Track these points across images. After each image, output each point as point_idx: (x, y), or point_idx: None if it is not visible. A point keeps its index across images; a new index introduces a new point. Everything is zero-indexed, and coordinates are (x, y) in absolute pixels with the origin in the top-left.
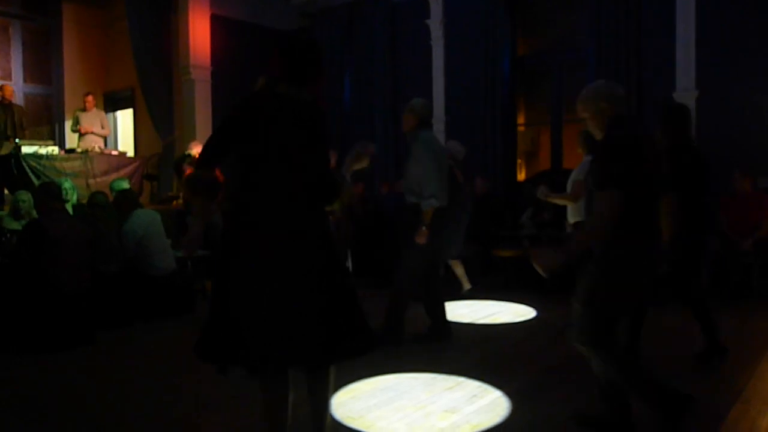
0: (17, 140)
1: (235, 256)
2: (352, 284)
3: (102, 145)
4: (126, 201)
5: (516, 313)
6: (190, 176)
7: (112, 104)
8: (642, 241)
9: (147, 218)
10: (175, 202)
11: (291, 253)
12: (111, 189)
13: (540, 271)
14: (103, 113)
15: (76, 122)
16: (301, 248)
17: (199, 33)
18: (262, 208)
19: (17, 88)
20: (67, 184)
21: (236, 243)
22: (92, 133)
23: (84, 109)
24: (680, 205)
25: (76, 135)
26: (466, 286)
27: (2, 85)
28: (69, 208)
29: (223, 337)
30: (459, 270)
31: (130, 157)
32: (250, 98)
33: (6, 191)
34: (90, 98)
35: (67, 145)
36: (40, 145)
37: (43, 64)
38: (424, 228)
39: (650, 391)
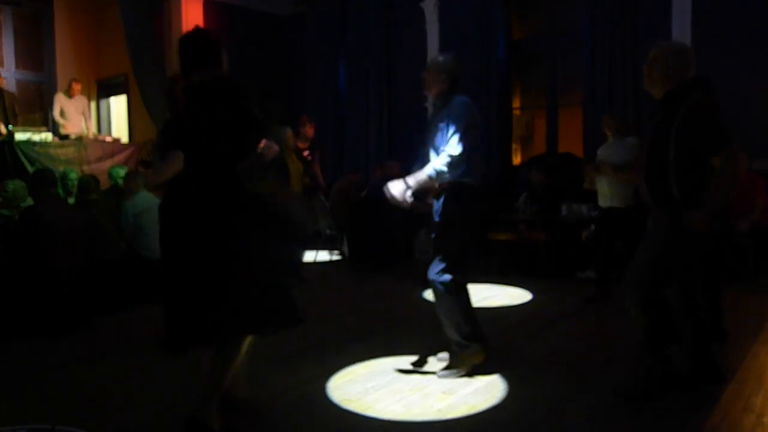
0: (10, 127)
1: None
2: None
3: (83, 128)
4: (134, 181)
5: (512, 296)
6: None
7: (105, 91)
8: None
9: (148, 198)
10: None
11: (193, 230)
12: (110, 176)
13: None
14: (86, 101)
15: (62, 113)
16: (202, 224)
17: (191, 18)
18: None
19: (9, 75)
20: (72, 175)
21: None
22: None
23: (69, 96)
24: None
25: (60, 118)
26: None
27: None
28: (72, 199)
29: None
30: None
31: (124, 144)
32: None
33: None
34: (76, 86)
35: (61, 132)
36: (34, 132)
37: (35, 51)
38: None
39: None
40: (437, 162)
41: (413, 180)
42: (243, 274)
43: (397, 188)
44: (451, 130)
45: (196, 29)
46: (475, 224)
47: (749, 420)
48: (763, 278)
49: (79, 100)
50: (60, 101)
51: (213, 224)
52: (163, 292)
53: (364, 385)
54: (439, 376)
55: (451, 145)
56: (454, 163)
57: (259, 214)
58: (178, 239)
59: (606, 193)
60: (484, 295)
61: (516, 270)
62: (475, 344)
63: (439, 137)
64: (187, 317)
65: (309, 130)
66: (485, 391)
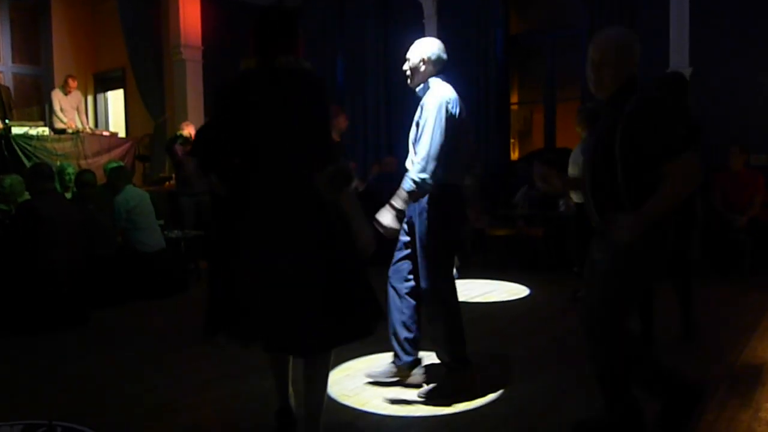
0: (6, 121)
1: (229, 238)
2: (350, 269)
3: (77, 124)
4: (120, 177)
5: (510, 291)
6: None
7: (102, 85)
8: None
9: (137, 193)
10: (167, 183)
11: (281, 237)
12: (105, 171)
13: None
14: (80, 96)
15: (62, 110)
16: (292, 231)
17: (189, 12)
18: (256, 190)
19: (6, 69)
20: (70, 169)
21: (231, 225)
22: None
23: (66, 92)
24: None
25: (61, 114)
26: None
27: None
28: (69, 194)
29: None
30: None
31: (121, 138)
32: (237, 79)
33: None
34: (72, 82)
35: (56, 126)
36: (31, 126)
37: (31, 44)
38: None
39: (661, 385)
40: (412, 171)
41: (398, 202)
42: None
43: (386, 218)
44: (422, 127)
45: (282, 7)
46: (460, 227)
47: (746, 415)
48: (760, 274)
49: (74, 96)
50: (58, 98)
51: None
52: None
53: (362, 380)
54: (420, 396)
55: (422, 146)
56: (427, 167)
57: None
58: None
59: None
60: (483, 290)
61: (514, 265)
62: (465, 368)
63: (416, 134)
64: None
65: (342, 122)
66: (484, 386)
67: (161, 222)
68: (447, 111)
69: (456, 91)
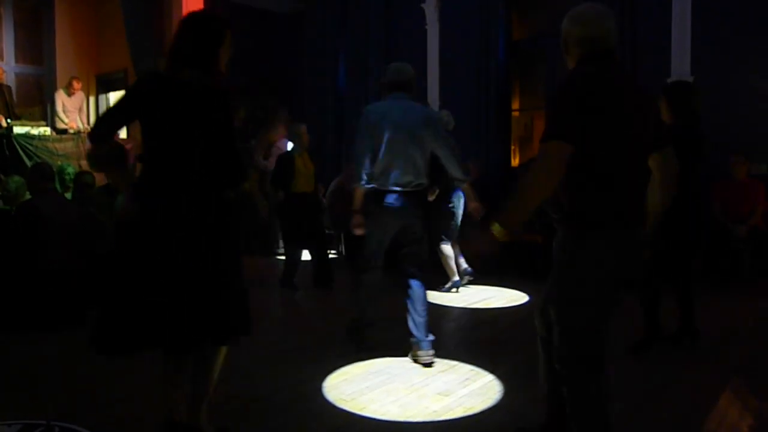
0: (8, 120)
1: (134, 240)
2: (234, 275)
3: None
4: (125, 175)
5: (509, 298)
6: (90, 154)
7: (104, 86)
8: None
9: None
10: None
11: (182, 239)
12: None
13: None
14: (83, 97)
15: (65, 110)
16: (191, 235)
17: None
18: (160, 192)
19: (9, 69)
20: (70, 169)
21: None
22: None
23: (69, 94)
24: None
25: (63, 115)
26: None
27: None
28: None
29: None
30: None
31: (122, 139)
32: (149, 79)
33: None
34: (77, 84)
35: (58, 126)
36: (32, 126)
37: (34, 44)
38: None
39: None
40: None
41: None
42: (223, 285)
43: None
44: None
45: (206, 15)
46: (388, 228)
47: (747, 422)
48: (760, 282)
49: (78, 97)
50: (62, 99)
51: (202, 239)
52: (121, 294)
53: (359, 385)
54: None
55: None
56: (351, 171)
57: (236, 228)
58: (161, 250)
59: None
60: (482, 296)
61: (513, 271)
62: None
63: None
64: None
65: (305, 137)
66: (481, 393)
67: None
68: (367, 120)
69: (457, 97)
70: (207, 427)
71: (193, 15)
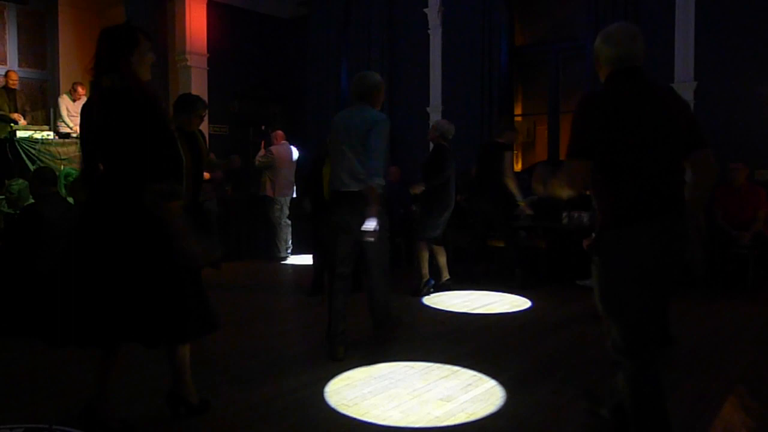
0: (12, 125)
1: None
2: (171, 270)
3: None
4: None
5: (511, 303)
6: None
7: None
8: (626, 225)
9: None
10: None
11: (107, 236)
12: None
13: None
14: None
15: (69, 115)
16: (116, 232)
17: (195, 19)
18: (94, 195)
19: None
20: (74, 173)
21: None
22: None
23: (73, 99)
24: None
25: (69, 119)
26: (445, 276)
27: (8, 71)
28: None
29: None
30: (441, 259)
31: None
32: (91, 91)
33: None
34: (81, 90)
35: (62, 130)
36: (35, 130)
37: (38, 49)
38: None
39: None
40: None
41: None
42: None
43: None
44: None
45: (117, 26)
46: (332, 228)
47: (750, 429)
48: (763, 288)
49: (82, 102)
50: (65, 103)
51: (132, 241)
52: (63, 293)
53: (361, 390)
54: None
55: None
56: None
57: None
58: (95, 252)
59: None
60: (484, 301)
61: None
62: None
63: None
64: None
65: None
66: (484, 399)
67: None
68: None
69: (459, 102)
70: (192, 397)
71: (106, 28)
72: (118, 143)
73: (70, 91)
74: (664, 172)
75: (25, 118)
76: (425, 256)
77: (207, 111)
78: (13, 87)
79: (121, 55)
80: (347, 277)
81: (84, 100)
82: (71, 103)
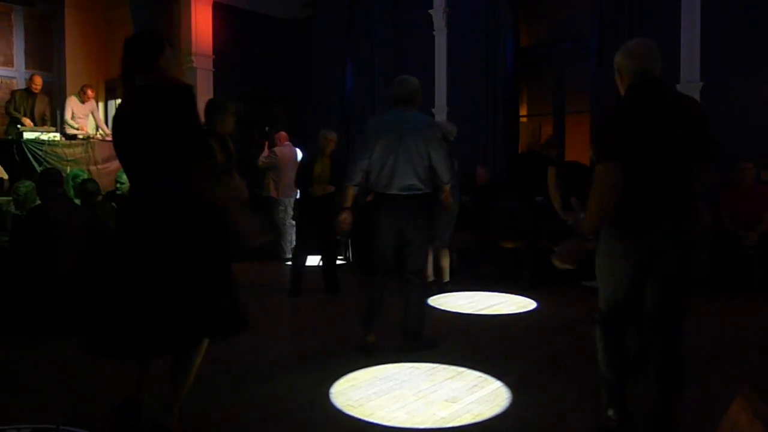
0: (18, 126)
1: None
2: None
3: (91, 129)
4: None
5: (517, 304)
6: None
7: (113, 92)
8: (633, 223)
9: None
10: None
11: (146, 240)
12: (117, 180)
13: (562, 264)
14: (94, 104)
15: (74, 116)
16: (156, 234)
17: (201, 21)
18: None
19: (19, 75)
20: (84, 176)
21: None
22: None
23: (82, 101)
24: None
25: (72, 121)
26: (446, 278)
27: (33, 75)
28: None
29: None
30: (445, 261)
31: None
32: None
33: (6, 177)
34: (90, 92)
35: (68, 132)
36: (42, 132)
37: (44, 51)
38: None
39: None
40: None
41: None
42: (195, 285)
43: None
44: None
45: (141, 33)
46: (386, 231)
47: (757, 430)
48: None
49: (89, 104)
50: (72, 105)
51: (172, 239)
52: (101, 299)
53: (366, 391)
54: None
55: None
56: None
57: (210, 228)
58: (135, 253)
59: None
60: (490, 302)
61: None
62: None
63: None
64: (138, 326)
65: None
66: (489, 400)
67: None
68: (365, 131)
69: (465, 103)
70: (176, 428)
71: (131, 36)
72: (159, 138)
73: (79, 93)
74: (672, 179)
75: (44, 124)
76: (429, 258)
77: None
78: (35, 91)
79: (152, 57)
80: (391, 272)
81: (92, 102)
82: (79, 105)
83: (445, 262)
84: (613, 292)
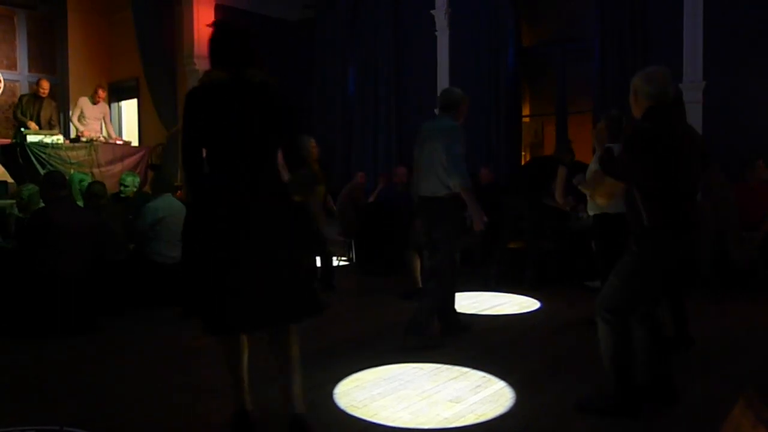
0: (22, 129)
1: (201, 226)
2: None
3: (103, 133)
4: (161, 182)
5: (520, 304)
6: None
7: (116, 94)
8: (670, 234)
9: (170, 205)
10: (179, 192)
11: (249, 221)
12: (121, 182)
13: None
14: (107, 108)
15: (82, 117)
16: (259, 216)
17: (203, 23)
18: (222, 184)
19: (22, 77)
20: (88, 179)
21: (202, 214)
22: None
23: (94, 102)
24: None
25: (78, 122)
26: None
27: (40, 79)
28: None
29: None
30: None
31: (134, 147)
32: (193, 90)
33: (11, 180)
34: (102, 93)
35: (72, 134)
36: (46, 134)
37: (47, 54)
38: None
39: (620, 380)
40: None
41: None
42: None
43: None
44: None
45: (236, 24)
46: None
47: None
48: None
49: (101, 106)
50: (82, 105)
51: (274, 220)
52: (206, 281)
53: (370, 391)
54: None
55: None
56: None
57: (305, 220)
58: (237, 234)
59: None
60: (493, 303)
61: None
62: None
63: None
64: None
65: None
66: (493, 400)
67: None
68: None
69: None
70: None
71: (229, 24)
72: (269, 131)
73: (92, 95)
74: (694, 192)
75: (51, 129)
76: (416, 263)
77: None
78: (42, 95)
79: (258, 51)
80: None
81: (103, 105)
82: (90, 106)
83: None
84: (643, 299)
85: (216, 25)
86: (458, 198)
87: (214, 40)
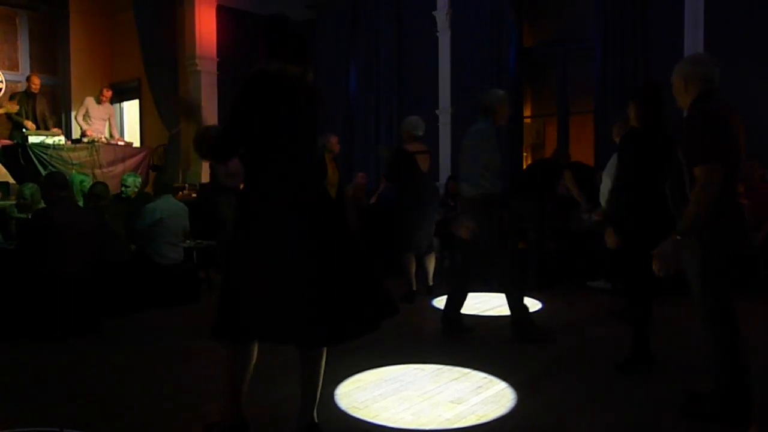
0: (24, 130)
1: (245, 232)
2: (365, 262)
3: (106, 134)
4: (161, 184)
5: None
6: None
7: (118, 95)
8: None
9: (169, 206)
10: (180, 193)
11: (297, 229)
12: (122, 183)
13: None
14: (112, 109)
15: (87, 116)
16: (307, 225)
17: (205, 24)
18: (275, 184)
19: (23, 78)
20: (89, 180)
21: (247, 220)
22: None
23: (99, 102)
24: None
25: (82, 121)
26: (430, 282)
27: (30, 76)
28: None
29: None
30: (431, 265)
31: (136, 148)
32: (261, 77)
33: (13, 181)
34: (107, 93)
35: (74, 135)
36: (47, 135)
37: (49, 55)
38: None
39: (733, 380)
40: None
41: None
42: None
43: None
44: None
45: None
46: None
47: None
48: None
49: (106, 107)
50: (88, 105)
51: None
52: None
53: (372, 392)
54: None
55: None
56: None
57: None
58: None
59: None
60: (495, 303)
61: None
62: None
63: None
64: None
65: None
66: (494, 401)
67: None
68: None
69: (468, 104)
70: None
71: (283, 18)
72: (314, 131)
73: (98, 95)
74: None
75: (46, 124)
76: (413, 266)
77: None
78: (34, 91)
79: (306, 50)
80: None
81: (108, 105)
82: (96, 106)
83: (431, 267)
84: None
85: (285, 18)
86: (494, 197)
87: (290, 35)
